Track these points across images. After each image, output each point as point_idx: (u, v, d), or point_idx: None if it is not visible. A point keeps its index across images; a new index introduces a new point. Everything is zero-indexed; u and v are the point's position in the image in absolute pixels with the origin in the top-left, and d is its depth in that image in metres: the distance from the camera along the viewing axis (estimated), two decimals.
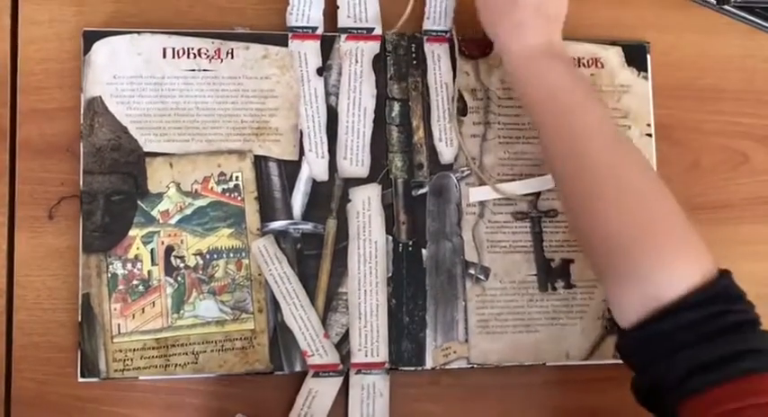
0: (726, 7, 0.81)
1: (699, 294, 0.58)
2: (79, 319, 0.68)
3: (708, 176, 0.80)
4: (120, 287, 0.68)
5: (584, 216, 0.64)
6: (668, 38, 0.80)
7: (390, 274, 0.72)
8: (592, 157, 0.63)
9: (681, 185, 0.78)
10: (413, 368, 0.72)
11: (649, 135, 0.78)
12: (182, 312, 0.69)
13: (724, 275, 0.60)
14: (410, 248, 0.73)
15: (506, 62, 0.69)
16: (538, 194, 0.75)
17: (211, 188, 0.70)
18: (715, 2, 0.81)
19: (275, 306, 0.70)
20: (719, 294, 0.58)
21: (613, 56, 0.78)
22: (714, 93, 0.81)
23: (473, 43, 0.76)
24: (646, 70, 0.79)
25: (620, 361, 0.71)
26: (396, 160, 0.73)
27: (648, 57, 0.79)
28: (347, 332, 0.71)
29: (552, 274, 0.75)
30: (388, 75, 0.74)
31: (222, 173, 0.71)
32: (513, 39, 0.68)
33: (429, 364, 0.72)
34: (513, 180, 0.75)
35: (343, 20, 0.74)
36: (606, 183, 0.62)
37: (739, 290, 0.60)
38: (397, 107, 0.74)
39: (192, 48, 0.71)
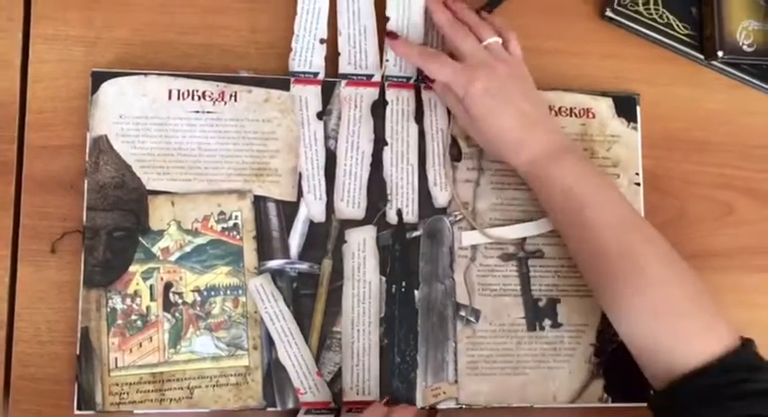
0: (714, 62, 0.84)
1: (719, 363, 0.63)
2: (78, 352, 0.69)
3: (694, 225, 0.82)
4: (119, 321, 0.70)
5: (607, 299, 0.69)
6: (657, 90, 0.83)
7: (383, 314, 0.74)
8: (611, 250, 0.68)
9: (667, 233, 0.80)
10: None
11: (638, 184, 0.80)
12: (178, 347, 0.70)
13: (746, 345, 0.65)
14: (403, 289, 0.74)
15: (520, 173, 0.74)
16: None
17: (211, 226, 0.72)
18: (703, 57, 0.84)
19: (270, 343, 0.72)
20: (740, 363, 0.63)
21: (604, 106, 0.81)
22: (701, 144, 0.83)
23: None
24: (635, 121, 0.81)
25: (607, 405, 0.74)
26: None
27: (638, 108, 0.81)
28: (340, 370, 0.73)
29: (540, 313, 0.77)
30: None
31: (222, 212, 0.72)
32: (516, 157, 0.72)
33: (419, 404, 0.73)
34: (505, 224, 0.77)
35: (344, 66, 0.77)
36: (627, 274, 0.67)
37: (761, 360, 0.65)
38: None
39: (197, 91, 0.73)
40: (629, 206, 0.70)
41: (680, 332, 0.65)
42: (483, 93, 0.70)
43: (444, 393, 0.74)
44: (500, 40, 0.74)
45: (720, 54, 0.81)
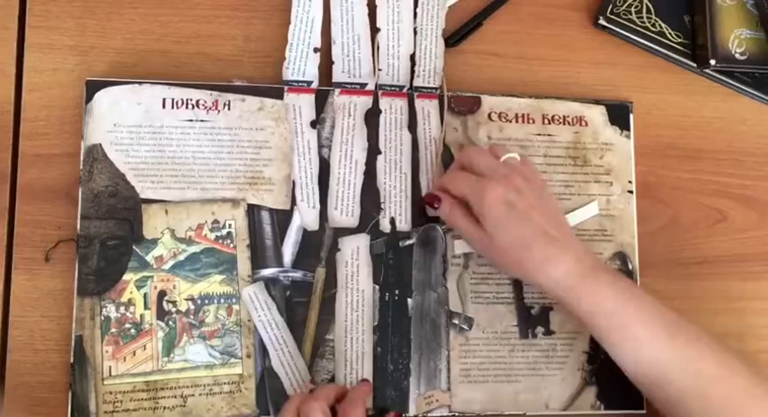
0: (706, 71, 0.84)
1: None
2: (71, 360, 0.69)
3: (686, 233, 0.82)
4: (113, 330, 0.70)
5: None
6: (650, 98, 0.83)
7: (376, 323, 0.74)
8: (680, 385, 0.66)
9: (660, 240, 0.81)
10: None
11: (630, 191, 0.80)
12: (172, 355, 0.71)
13: None
14: (396, 297, 0.75)
15: (545, 290, 0.69)
16: None
17: (205, 235, 0.72)
18: (696, 65, 0.84)
19: (263, 351, 0.72)
20: None
21: (597, 115, 0.81)
22: (694, 152, 0.84)
23: (462, 100, 0.78)
24: (628, 129, 0.81)
25: (600, 412, 0.74)
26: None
27: (631, 116, 0.82)
28: (333, 378, 0.73)
29: (532, 321, 0.77)
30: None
31: (216, 221, 0.73)
32: (543, 274, 0.68)
33: (412, 411, 0.73)
34: None
35: (338, 75, 0.77)
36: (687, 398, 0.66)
37: None
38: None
39: (191, 99, 0.74)
40: (676, 318, 0.68)
41: None
42: (501, 202, 0.67)
43: (437, 400, 0.74)
44: (518, 157, 0.72)
45: (713, 62, 0.82)
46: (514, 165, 0.71)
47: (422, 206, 0.76)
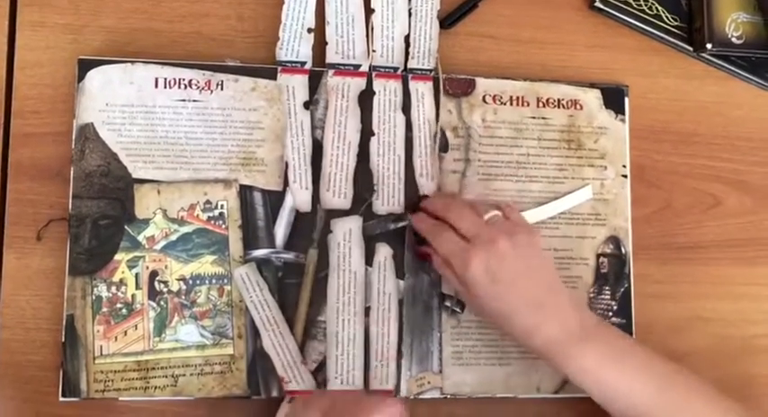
0: (703, 54, 0.84)
1: None
2: (63, 339, 0.69)
3: (680, 217, 0.82)
4: (104, 309, 0.70)
5: None
6: (646, 82, 0.83)
7: (368, 304, 0.74)
8: None
9: (654, 225, 0.81)
10: None
11: (625, 176, 0.80)
12: (163, 335, 0.71)
13: None
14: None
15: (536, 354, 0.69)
16: None
17: (197, 215, 0.72)
18: (692, 49, 0.83)
19: (255, 332, 0.72)
20: None
21: (592, 98, 0.81)
22: (689, 136, 0.83)
23: (456, 82, 0.78)
24: (623, 113, 0.81)
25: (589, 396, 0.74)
26: None
27: (626, 100, 0.81)
28: (324, 359, 0.73)
29: None
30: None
31: (208, 201, 0.73)
32: (530, 341, 0.67)
33: (404, 393, 0.73)
34: None
35: (332, 56, 0.76)
36: None
37: None
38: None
39: (184, 79, 0.73)
40: (667, 371, 0.68)
41: None
42: (483, 272, 0.65)
43: (429, 382, 0.74)
44: (499, 214, 0.69)
45: (710, 46, 0.81)
46: (500, 225, 0.68)
47: (415, 185, 0.76)
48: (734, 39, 0.82)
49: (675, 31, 0.83)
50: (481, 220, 0.68)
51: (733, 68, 0.84)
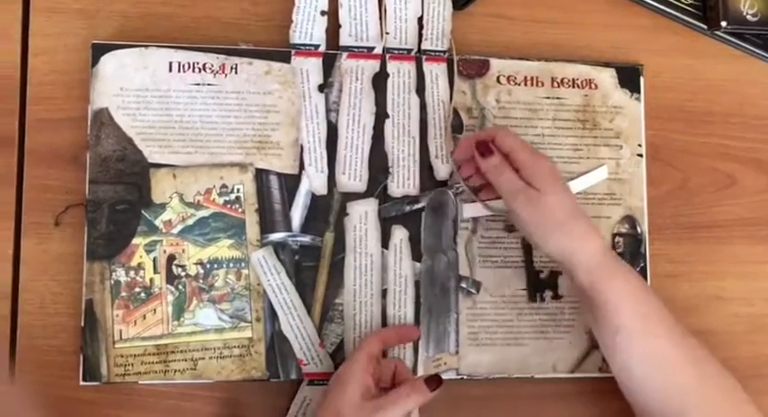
0: (717, 33, 0.83)
1: None
2: (82, 324, 0.70)
3: (695, 196, 0.82)
4: (123, 293, 0.70)
5: None
6: (660, 61, 0.83)
7: (385, 287, 0.74)
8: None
9: (669, 204, 0.81)
10: None
11: (640, 155, 0.80)
12: (182, 319, 0.71)
13: None
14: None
15: (575, 261, 0.68)
16: None
17: (213, 199, 0.72)
18: (707, 27, 0.83)
19: (273, 315, 0.72)
20: None
21: (607, 77, 0.80)
22: (704, 115, 0.83)
23: (470, 63, 0.78)
24: (638, 92, 0.81)
25: (606, 375, 0.74)
26: None
27: (641, 79, 0.81)
28: (342, 341, 0.73)
29: (541, 285, 0.77)
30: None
31: (224, 185, 0.73)
32: (585, 246, 0.68)
33: (420, 374, 0.74)
34: None
35: (345, 38, 0.76)
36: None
37: None
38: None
39: (198, 63, 0.73)
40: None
41: None
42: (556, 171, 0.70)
43: (445, 363, 0.75)
44: None
45: (724, 24, 0.81)
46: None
47: (430, 167, 0.75)
48: (749, 17, 0.82)
49: (690, 9, 0.83)
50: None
51: (748, 46, 0.84)
